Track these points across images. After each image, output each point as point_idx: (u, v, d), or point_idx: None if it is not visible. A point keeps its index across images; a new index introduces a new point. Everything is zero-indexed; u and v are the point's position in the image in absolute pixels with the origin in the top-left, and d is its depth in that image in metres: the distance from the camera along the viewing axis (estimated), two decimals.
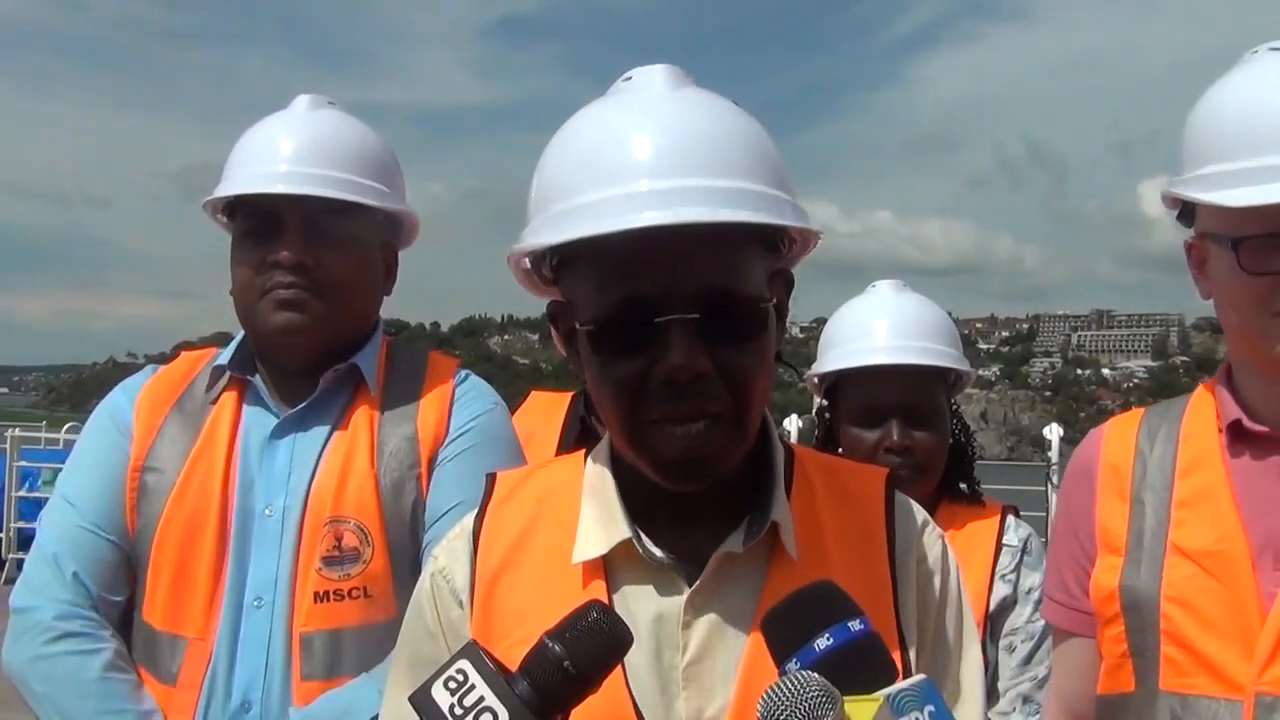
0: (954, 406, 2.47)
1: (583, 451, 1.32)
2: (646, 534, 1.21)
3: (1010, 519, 2.42)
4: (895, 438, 2.29)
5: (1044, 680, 2.18)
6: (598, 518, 1.23)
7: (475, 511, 1.30)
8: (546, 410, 2.59)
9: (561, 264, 1.19)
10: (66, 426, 14.73)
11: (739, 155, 1.15)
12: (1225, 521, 1.51)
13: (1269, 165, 1.45)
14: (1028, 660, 2.28)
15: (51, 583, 1.83)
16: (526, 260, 1.23)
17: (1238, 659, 1.45)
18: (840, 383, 2.42)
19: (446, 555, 1.30)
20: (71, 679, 1.78)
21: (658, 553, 1.21)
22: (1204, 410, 1.62)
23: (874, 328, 2.39)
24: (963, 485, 2.48)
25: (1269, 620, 1.44)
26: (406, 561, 1.83)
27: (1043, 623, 2.21)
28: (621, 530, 1.21)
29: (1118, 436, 1.68)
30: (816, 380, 2.48)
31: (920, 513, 1.31)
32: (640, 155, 1.13)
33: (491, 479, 1.33)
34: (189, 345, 2.15)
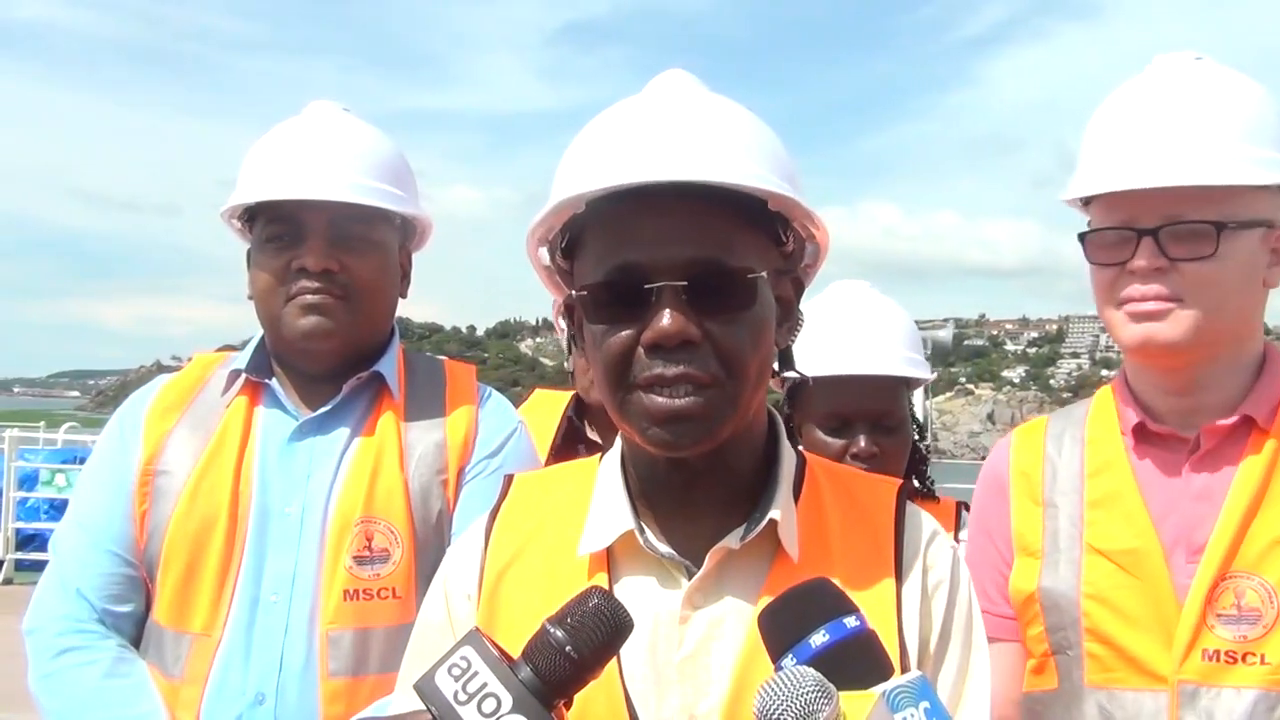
0: (910, 408, 2.45)
1: (599, 455, 1.36)
2: (651, 529, 1.25)
3: (965, 515, 2.38)
4: (863, 446, 2.28)
5: None
6: (605, 512, 1.26)
7: (490, 509, 1.35)
8: (547, 407, 2.71)
9: (570, 245, 1.25)
10: (65, 426, 14.82)
11: (748, 145, 1.19)
12: (1137, 520, 1.56)
13: (1107, 161, 1.54)
14: None
15: (53, 602, 1.89)
16: (545, 252, 1.29)
17: (1159, 651, 1.50)
18: (805, 384, 2.41)
19: (459, 551, 1.35)
20: (73, 691, 1.82)
21: (660, 546, 1.23)
22: (1105, 414, 1.67)
23: (840, 333, 2.37)
24: (917, 483, 2.48)
25: (1184, 611, 1.49)
26: (429, 566, 1.85)
27: None
28: (625, 522, 1.24)
29: (1026, 444, 1.73)
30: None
31: (931, 524, 1.31)
32: (651, 137, 1.18)
33: (509, 480, 1.38)
34: (231, 348, 2.17)
